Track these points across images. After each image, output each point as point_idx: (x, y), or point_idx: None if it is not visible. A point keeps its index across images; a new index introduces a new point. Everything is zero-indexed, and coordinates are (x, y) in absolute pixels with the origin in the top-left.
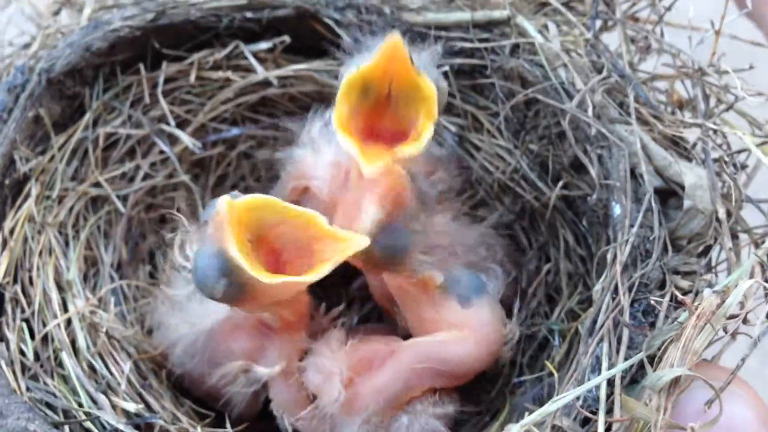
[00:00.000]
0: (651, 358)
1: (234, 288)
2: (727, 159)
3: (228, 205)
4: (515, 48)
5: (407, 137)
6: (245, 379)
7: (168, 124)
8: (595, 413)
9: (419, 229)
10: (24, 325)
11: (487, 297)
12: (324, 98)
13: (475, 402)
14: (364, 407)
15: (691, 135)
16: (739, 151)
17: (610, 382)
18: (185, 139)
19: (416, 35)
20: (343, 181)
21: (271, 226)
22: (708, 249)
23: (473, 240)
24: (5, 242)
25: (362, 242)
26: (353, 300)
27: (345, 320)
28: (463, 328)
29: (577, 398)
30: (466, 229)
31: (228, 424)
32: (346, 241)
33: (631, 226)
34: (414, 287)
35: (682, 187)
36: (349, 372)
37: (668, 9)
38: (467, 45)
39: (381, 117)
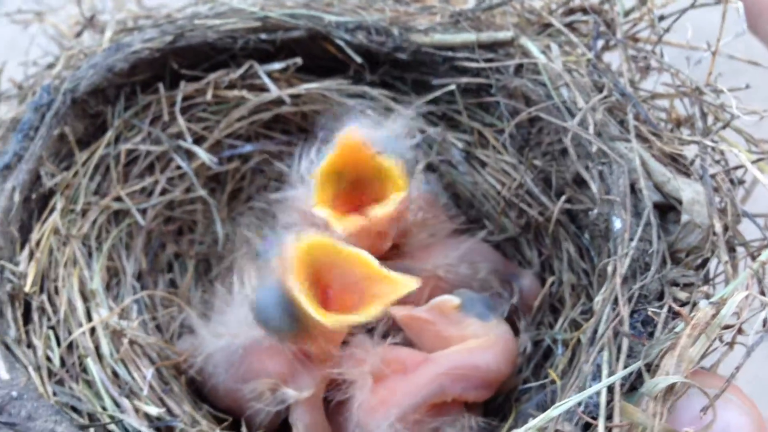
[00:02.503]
0: (649, 366)
1: (295, 328)
2: (724, 175)
3: (297, 250)
4: (519, 68)
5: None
6: (272, 398)
7: (185, 140)
8: (595, 419)
9: None
10: (50, 332)
11: (499, 314)
12: (334, 116)
13: (483, 410)
14: (397, 406)
15: (689, 152)
16: (736, 168)
17: (610, 389)
18: (202, 154)
19: (424, 56)
20: None
21: (325, 264)
22: (706, 262)
23: (454, 259)
24: (32, 254)
25: (413, 284)
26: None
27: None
28: (488, 336)
29: (579, 404)
30: (447, 248)
31: (244, 428)
32: (398, 283)
33: (631, 239)
34: (430, 313)
35: (680, 202)
36: (384, 367)
37: (667, 30)
38: (473, 65)
39: (362, 193)
